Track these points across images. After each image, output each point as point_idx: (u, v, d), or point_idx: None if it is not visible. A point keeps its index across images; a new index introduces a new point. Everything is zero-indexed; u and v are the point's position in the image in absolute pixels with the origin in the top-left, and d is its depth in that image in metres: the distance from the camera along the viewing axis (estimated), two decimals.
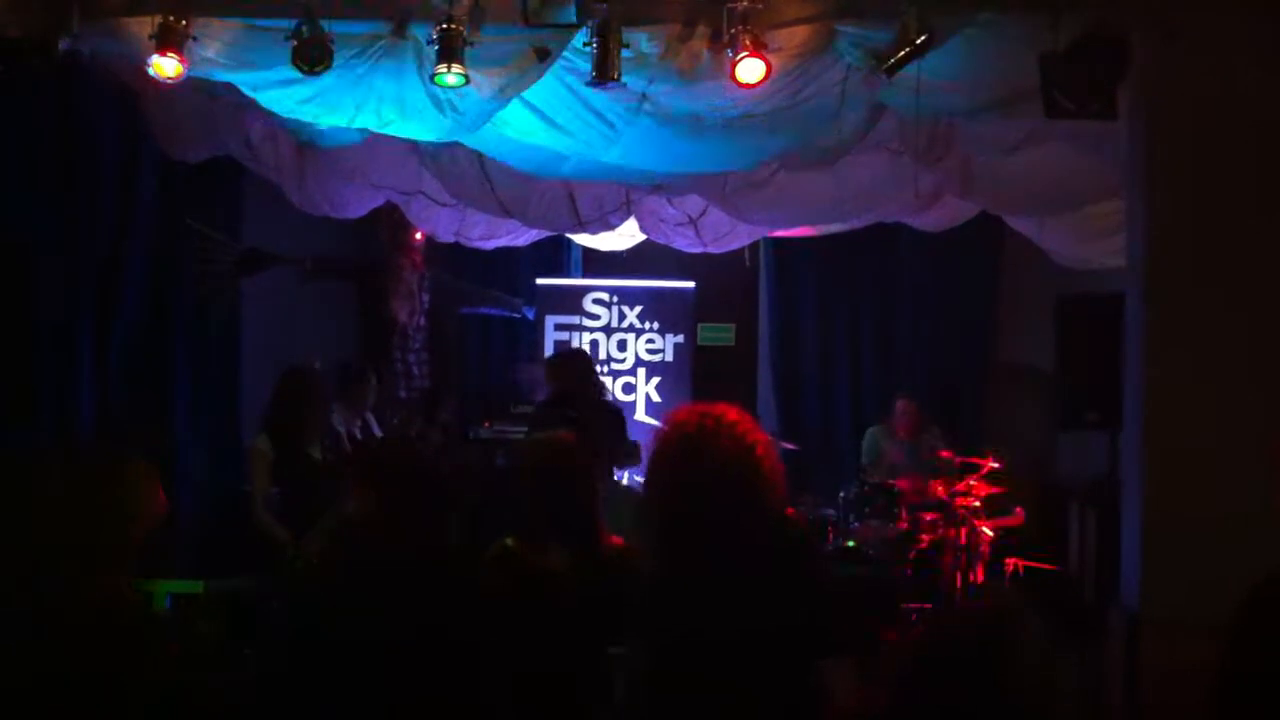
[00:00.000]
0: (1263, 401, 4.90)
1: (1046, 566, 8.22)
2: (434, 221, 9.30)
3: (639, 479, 9.15)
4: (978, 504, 8.26)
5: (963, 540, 8.21)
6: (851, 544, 8.32)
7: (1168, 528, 4.93)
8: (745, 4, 5.19)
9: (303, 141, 7.37)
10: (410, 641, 3.63)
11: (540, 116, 6.15)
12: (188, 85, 5.62)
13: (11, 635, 3.08)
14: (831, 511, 8.65)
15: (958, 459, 8.51)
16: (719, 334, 11.03)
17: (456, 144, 6.86)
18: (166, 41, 5.29)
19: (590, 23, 5.24)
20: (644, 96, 5.85)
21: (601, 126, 6.22)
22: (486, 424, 9.34)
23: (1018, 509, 8.52)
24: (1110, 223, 7.16)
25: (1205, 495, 4.86)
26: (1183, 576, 4.78)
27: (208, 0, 5.44)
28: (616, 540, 4.19)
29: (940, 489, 8.36)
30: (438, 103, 5.82)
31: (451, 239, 9.61)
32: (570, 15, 5.27)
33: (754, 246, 10.19)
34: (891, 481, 8.65)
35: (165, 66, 5.33)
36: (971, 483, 8.27)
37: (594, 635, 3.99)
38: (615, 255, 10.42)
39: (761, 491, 3.46)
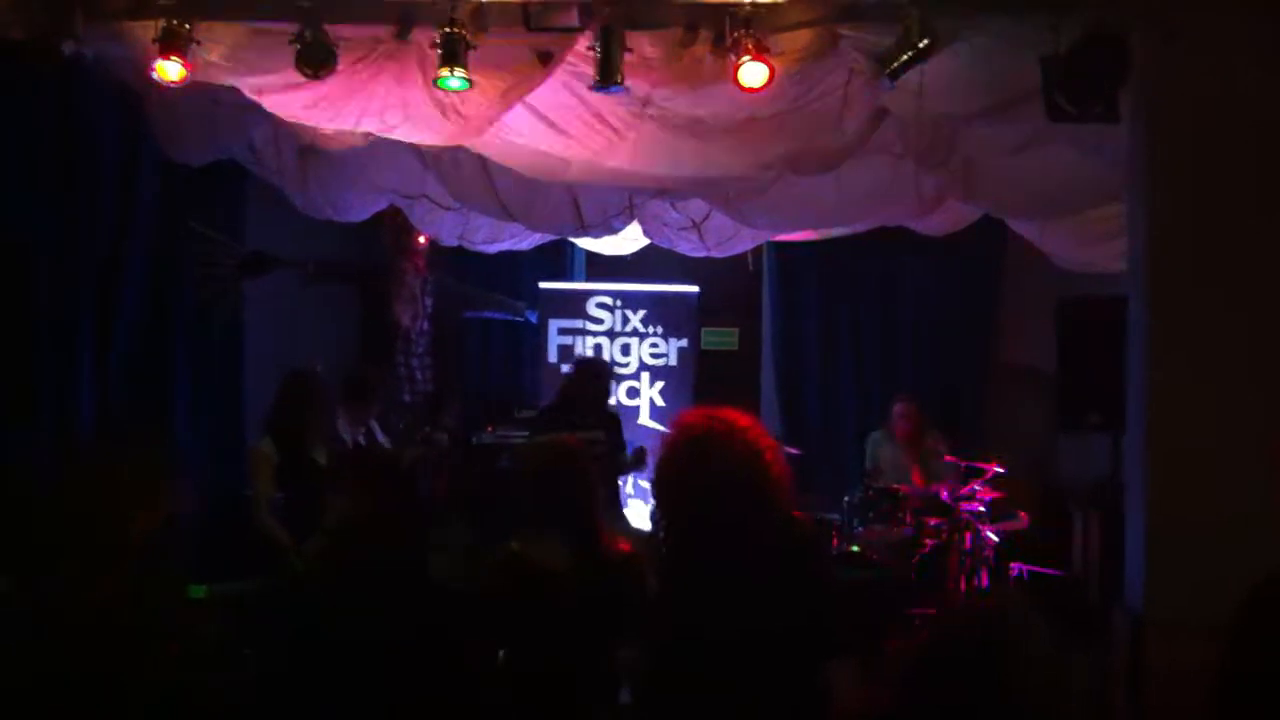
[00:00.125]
0: (1264, 402, 4.90)
1: (1050, 571, 8.21)
2: (437, 225, 9.31)
3: (645, 483, 9.19)
4: (982, 508, 8.26)
5: (967, 545, 8.20)
6: (855, 548, 8.32)
7: (1171, 529, 4.93)
8: (748, 8, 5.20)
9: (305, 145, 7.38)
10: (403, 642, 3.64)
11: (543, 120, 6.16)
12: (190, 88, 5.63)
13: (12, 635, 3.09)
14: (835, 516, 8.64)
15: (962, 463, 8.51)
16: (722, 338, 11.03)
17: (460, 147, 6.86)
18: (170, 45, 5.30)
19: (593, 27, 5.26)
20: (647, 100, 5.86)
21: (604, 131, 6.23)
22: (489, 428, 9.34)
23: (1021, 513, 8.51)
24: (1112, 226, 7.17)
25: (1208, 496, 4.86)
26: (1186, 577, 4.78)
27: (211, 3, 5.46)
28: (623, 545, 4.20)
29: (942, 490, 8.36)
30: (441, 106, 5.82)
31: (455, 242, 9.62)
32: (573, 19, 5.28)
33: (757, 250, 10.19)
34: (895, 486, 8.64)
35: (168, 70, 5.35)
36: (975, 487, 8.27)
37: (595, 635, 4.00)
38: (619, 259, 10.42)
39: (769, 495, 3.48)
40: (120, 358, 7.49)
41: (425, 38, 5.40)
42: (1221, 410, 4.91)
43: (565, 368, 9.70)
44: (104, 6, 5.49)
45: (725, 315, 11.01)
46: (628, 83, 5.37)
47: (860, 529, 8.49)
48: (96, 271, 7.34)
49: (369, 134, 6.45)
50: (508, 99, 5.81)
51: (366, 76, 5.64)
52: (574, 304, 10.59)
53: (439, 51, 5.27)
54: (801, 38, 5.41)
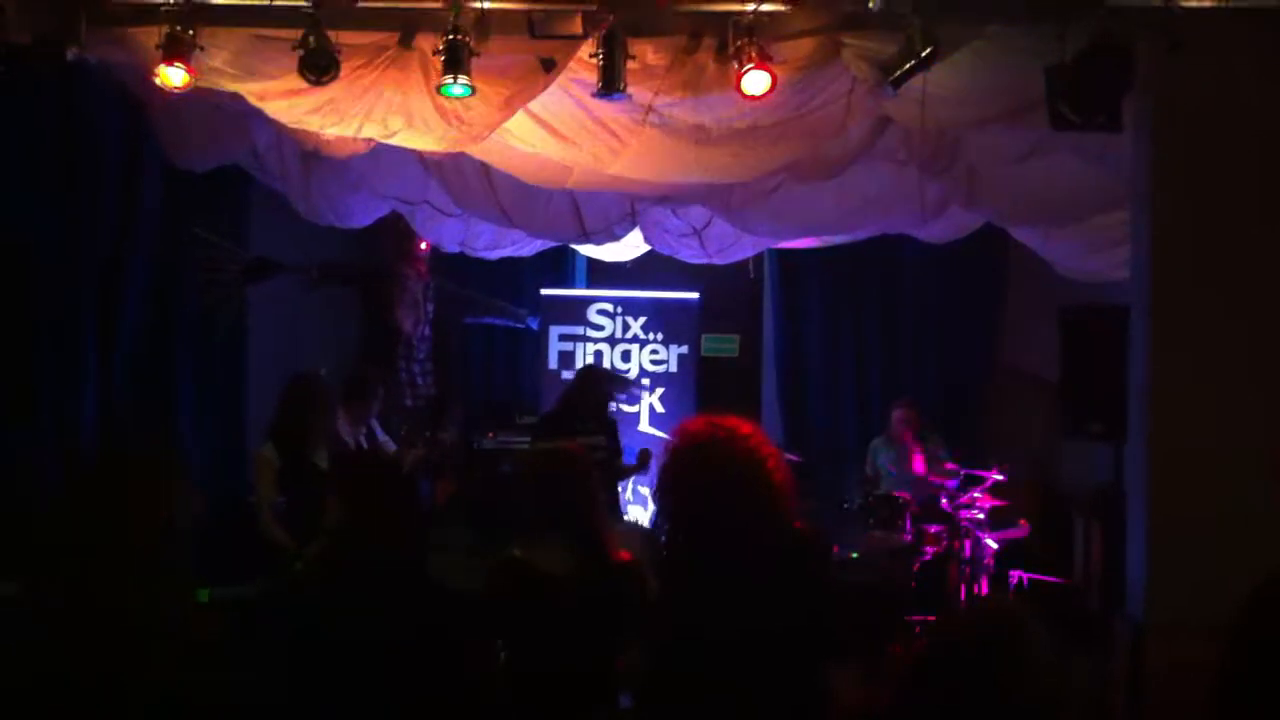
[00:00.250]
0: (1265, 409, 4.92)
1: (1051, 579, 8.21)
2: (439, 231, 9.32)
3: (645, 489, 9.21)
4: (982, 516, 8.26)
5: (967, 552, 8.21)
6: (856, 555, 8.32)
7: (1172, 535, 4.94)
8: (751, 16, 5.21)
9: (307, 151, 7.39)
10: (403, 643, 3.65)
11: (546, 127, 6.17)
12: (194, 95, 5.64)
13: (14, 635, 3.09)
14: (836, 523, 8.64)
15: (962, 469, 8.52)
16: (723, 345, 11.03)
17: (462, 154, 6.87)
18: (173, 51, 5.31)
19: (596, 34, 5.27)
20: (649, 108, 5.86)
21: (607, 138, 6.24)
22: (491, 435, 9.35)
23: (1022, 521, 8.52)
24: (1114, 234, 7.17)
25: (1209, 502, 4.88)
26: (1187, 582, 4.79)
27: (215, 10, 5.46)
28: (624, 555, 4.21)
29: (943, 497, 8.36)
30: (444, 113, 5.83)
31: (456, 249, 9.63)
32: (576, 27, 5.29)
33: (758, 257, 10.20)
34: (895, 493, 8.65)
35: (172, 76, 5.36)
36: (976, 495, 8.27)
37: (596, 639, 4.00)
38: (620, 266, 10.43)
39: (772, 502, 3.49)
40: (123, 361, 7.50)
41: (428, 44, 5.41)
42: (1222, 416, 4.92)
43: (566, 374, 9.72)
44: (108, 12, 5.49)
45: (726, 322, 11.01)
46: (630, 90, 5.38)
47: (861, 535, 8.49)
48: (99, 275, 7.36)
49: (371, 140, 6.45)
50: (510, 106, 5.82)
51: (369, 83, 5.64)
52: (575, 310, 10.60)
53: (442, 58, 5.28)
54: (804, 46, 5.42)
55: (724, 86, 5.45)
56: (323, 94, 5.63)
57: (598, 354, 10.43)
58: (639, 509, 9.52)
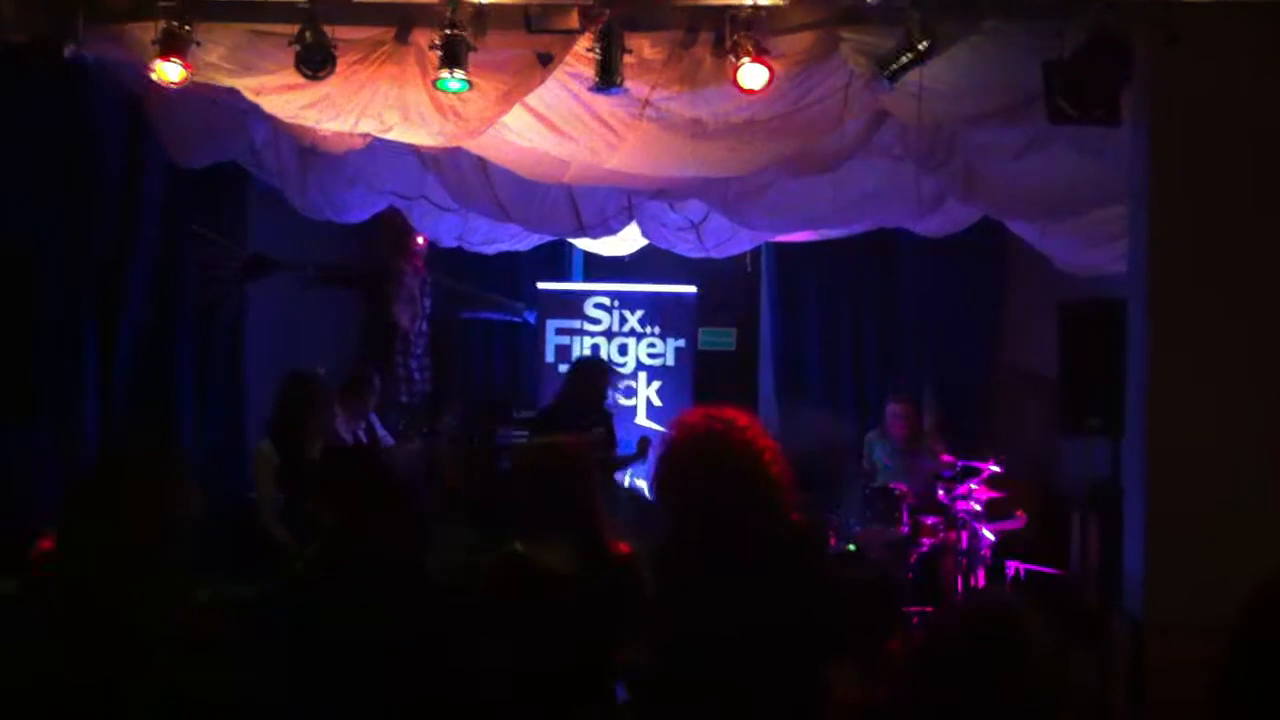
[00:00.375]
0: (1264, 404, 4.92)
1: (1048, 570, 8.22)
2: (436, 226, 9.32)
3: (642, 482, 9.21)
4: (979, 508, 8.27)
5: (964, 544, 8.21)
6: (853, 548, 8.32)
7: (1170, 531, 4.94)
8: (748, 10, 5.21)
9: (304, 146, 7.38)
10: (400, 641, 3.65)
11: (543, 121, 6.16)
12: (190, 90, 5.63)
13: (14, 635, 3.09)
14: (833, 515, 8.65)
15: (959, 462, 8.52)
16: (720, 338, 11.03)
17: (459, 149, 6.86)
18: (170, 47, 5.30)
19: (593, 28, 5.26)
20: (646, 102, 5.86)
21: (604, 132, 6.24)
22: (489, 429, 9.35)
23: (1019, 512, 8.52)
24: (1112, 229, 7.17)
25: (1207, 497, 4.87)
26: (1185, 580, 4.79)
27: (211, 5, 5.46)
28: (623, 547, 4.21)
29: (939, 489, 8.37)
30: (440, 108, 5.83)
31: (453, 243, 9.63)
32: (573, 21, 5.28)
33: (755, 251, 10.20)
34: (892, 485, 8.65)
35: (168, 72, 5.35)
36: (973, 486, 8.28)
37: (595, 632, 4.00)
38: (617, 260, 10.43)
39: (769, 494, 3.49)
40: (124, 360, 7.50)
41: (425, 39, 5.41)
42: (1220, 411, 4.92)
43: (563, 368, 9.72)
44: (105, 8, 5.49)
45: (723, 315, 11.01)
46: (627, 84, 5.38)
47: (858, 528, 8.50)
48: (100, 274, 7.36)
49: (368, 135, 6.45)
50: (507, 100, 5.82)
51: (365, 78, 5.64)
52: (572, 305, 10.59)
53: (439, 53, 5.28)
54: (802, 40, 5.42)
55: (721, 81, 5.45)
56: (319, 89, 5.63)
57: (594, 347, 10.42)
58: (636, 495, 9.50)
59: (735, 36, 5.22)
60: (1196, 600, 4.46)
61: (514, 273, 10.73)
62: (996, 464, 8.25)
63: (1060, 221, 7.86)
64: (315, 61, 5.32)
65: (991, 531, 8.25)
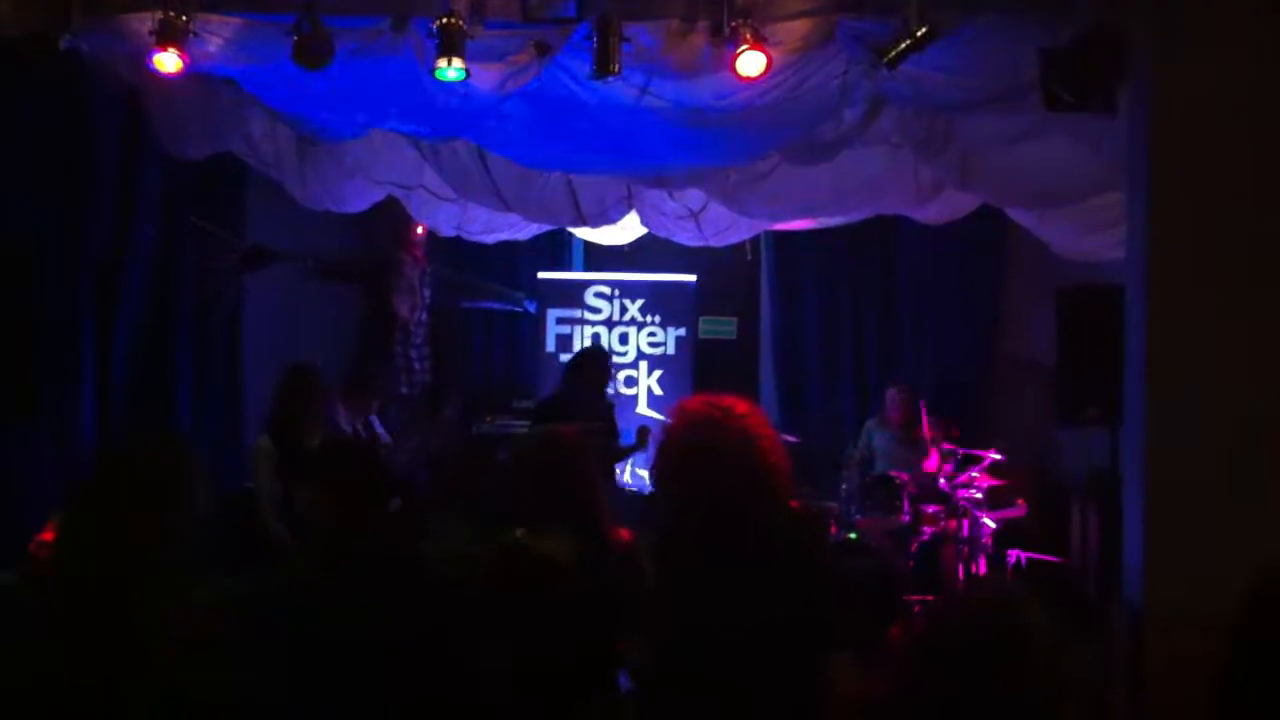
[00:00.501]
0: (1262, 394, 4.90)
1: (1049, 558, 8.22)
2: (435, 216, 9.30)
3: (643, 472, 9.21)
4: (979, 496, 8.27)
5: (965, 532, 8.22)
6: (853, 536, 8.33)
7: (1169, 521, 4.92)
8: None
9: (303, 137, 7.37)
10: (400, 635, 3.64)
11: (541, 110, 6.15)
12: (188, 81, 5.62)
13: (13, 635, 3.08)
14: (833, 504, 8.66)
15: (959, 450, 8.52)
16: (720, 327, 11.03)
17: (457, 138, 6.85)
18: (167, 37, 5.30)
19: (590, 17, 5.25)
20: (644, 90, 5.85)
21: (602, 120, 6.22)
22: (489, 419, 9.36)
23: (1020, 500, 8.52)
24: (1110, 215, 7.15)
25: (1207, 488, 4.86)
26: (1184, 570, 4.78)
27: None
28: (624, 534, 4.20)
29: (940, 477, 8.37)
30: (438, 97, 5.82)
31: (453, 233, 9.61)
32: (570, 9, 5.27)
33: (755, 240, 10.19)
34: (892, 473, 8.66)
35: (166, 62, 5.35)
36: (974, 475, 8.28)
37: (597, 622, 4.00)
38: (616, 249, 10.42)
39: (768, 482, 3.47)
40: (124, 355, 7.49)
41: (422, 28, 5.40)
42: (1219, 402, 4.90)
43: (564, 357, 9.72)
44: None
45: (723, 304, 11.01)
46: (625, 72, 5.37)
47: (858, 517, 8.51)
48: (100, 269, 7.35)
49: (366, 125, 6.44)
50: (505, 89, 5.81)
51: (363, 67, 5.63)
52: (572, 294, 10.61)
53: (436, 42, 5.27)
54: (800, 27, 5.40)
55: (719, 68, 5.44)
56: (317, 79, 5.61)
57: (595, 336, 10.43)
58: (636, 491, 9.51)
59: (732, 24, 5.21)
60: (1196, 590, 4.46)
61: (514, 262, 10.74)
62: (998, 452, 8.26)
63: (1057, 208, 7.86)
64: (313, 51, 5.32)
65: (992, 520, 8.25)
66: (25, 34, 5.34)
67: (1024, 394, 9.68)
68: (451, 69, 5.30)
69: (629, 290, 10.55)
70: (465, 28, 5.28)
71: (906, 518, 8.35)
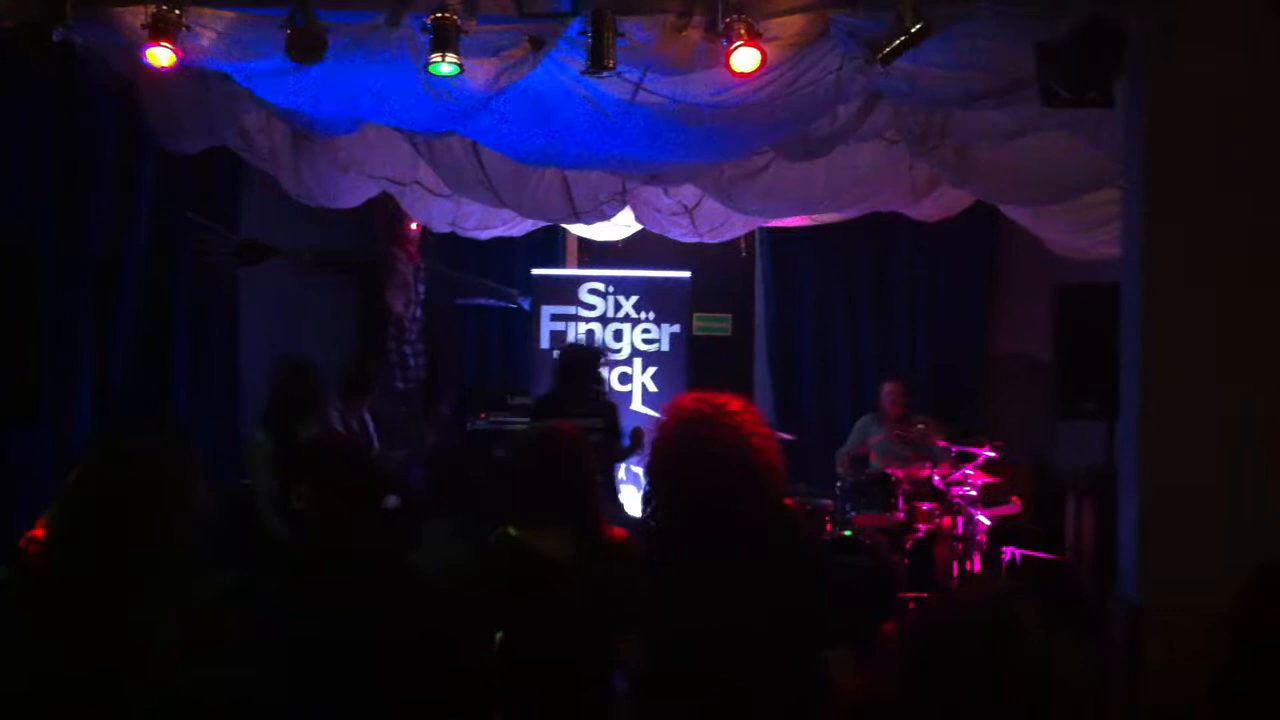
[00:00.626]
0: (1259, 390, 4.90)
1: (1044, 555, 8.22)
2: (429, 211, 9.28)
3: (638, 468, 9.19)
4: (974, 493, 8.27)
5: (960, 529, 8.21)
6: (848, 533, 8.32)
7: (1165, 515, 4.93)
8: None
9: (297, 131, 7.35)
10: (394, 636, 3.63)
11: (535, 105, 6.14)
12: (181, 75, 5.60)
13: (11, 634, 3.06)
14: (828, 501, 8.65)
15: (954, 446, 8.51)
16: (715, 323, 11.03)
17: (451, 133, 6.83)
18: (160, 31, 5.27)
19: (585, 12, 5.23)
20: (639, 86, 5.84)
21: (596, 116, 6.21)
22: (483, 415, 9.34)
23: (1014, 497, 8.52)
24: (1106, 212, 7.16)
25: (1203, 482, 4.86)
26: (1180, 565, 4.78)
27: None
28: (618, 532, 4.20)
29: (934, 475, 8.36)
30: (432, 92, 5.80)
31: (447, 229, 9.60)
32: (565, 4, 5.26)
33: (750, 236, 10.20)
34: (887, 470, 8.65)
35: (159, 56, 5.32)
36: (968, 471, 8.28)
37: (594, 623, 3.99)
38: (611, 245, 10.41)
39: (761, 479, 3.46)
40: (120, 351, 7.47)
41: (416, 23, 5.38)
42: (1216, 397, 4.90)
43: (558, 353, 9.71)
44: None
45: (718, 301, 11.00)
46: (619, 67, 5.35)
47: (853, 514, 8.50)
48: (97, 267, 7.33)
49: (360, 120, 6.42)
50: (499, 84, 5.79)
51: (357, 61, 5.61)
52: (567, 290, 10.59)
53: (430, 37, 5.25)
54: (794, 23, 5.39)
55: (713, 64, 5.43)
56: (310, 73, 5.60)
57: (589, 333, 10.41)
58: (632, 488, 9.50)
59: (727, 19, 5.19)
60: (1192, 585, 4.47)
61: (508, 258, 10.73)
62: (992, 449, 8.26)
63: (1053, 205, 7.86)
64: (306, 45, 5.29)
65: (987, 516, 8.25)
66: (17, 26, 5.31)
67: (1018, 390, 9.70)
68: (445, 64, 5.28)
69: (623, 286, 10.53)
70: (459, 22, 5.26)
71: (901, 515, 8.35)
